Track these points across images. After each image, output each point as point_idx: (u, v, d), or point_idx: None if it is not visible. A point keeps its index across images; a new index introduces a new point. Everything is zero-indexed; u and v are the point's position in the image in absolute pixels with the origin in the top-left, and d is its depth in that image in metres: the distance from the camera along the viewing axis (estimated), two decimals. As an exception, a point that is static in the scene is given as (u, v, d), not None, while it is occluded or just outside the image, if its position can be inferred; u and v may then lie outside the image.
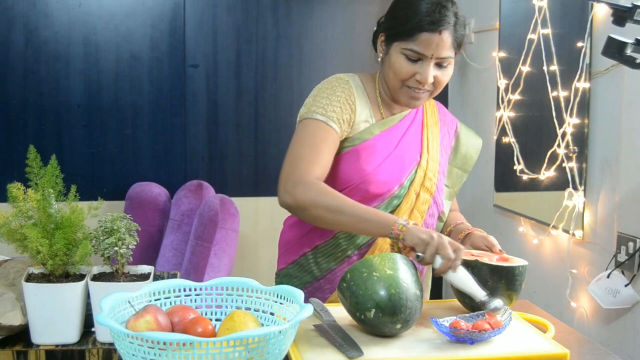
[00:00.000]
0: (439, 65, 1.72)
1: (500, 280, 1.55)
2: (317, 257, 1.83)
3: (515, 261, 1.61)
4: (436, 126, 1.89)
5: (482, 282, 1.54)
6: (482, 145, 2.00)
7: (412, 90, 1.74)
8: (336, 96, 1.76)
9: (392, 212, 1.80)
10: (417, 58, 1.70)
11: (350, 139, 1.78)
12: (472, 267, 1.56)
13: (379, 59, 1.81)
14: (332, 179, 1.78)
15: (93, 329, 1.52)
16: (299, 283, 1.85)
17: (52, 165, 1.54)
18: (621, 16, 1.36)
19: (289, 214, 1.86)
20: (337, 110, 1.75)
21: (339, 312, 1.53)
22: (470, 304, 1.56)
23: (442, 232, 1.92)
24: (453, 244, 1.53)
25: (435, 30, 1.67)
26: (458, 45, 1.73)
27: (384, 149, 1.79)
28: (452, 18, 1.69)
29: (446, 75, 1.75)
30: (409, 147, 1.83)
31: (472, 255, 1.62)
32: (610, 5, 1.38)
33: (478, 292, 1.52)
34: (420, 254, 1.53)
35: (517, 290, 1.59)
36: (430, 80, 1.72)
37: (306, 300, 1.50)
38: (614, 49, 1.37)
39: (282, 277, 1.90)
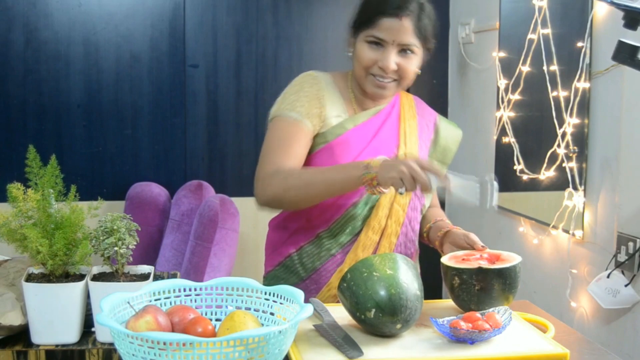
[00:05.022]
0: (403, 52, 1.74)
1: (505, 282, 1.54)
2: (302, 257, 1.83)
3: (505, 256, 1.60)
4: (414, 120, 1.90)
5: (486, 288, 1.53)
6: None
7: (376, 79, 1.76)
8: (304, 92, 1.79)
9: (372, 207, 1.80)
10: (379, 43, 1.73)
11: (323, 134, 1.79)
12: (475, 274, 1.54)
13: (349, 54, 1.84)
14: None
15: (93, 329, 1.52)
16: (285, 285, 1.85)
17: (51, 165, 1.54)
18: (634, 19, 1.29)
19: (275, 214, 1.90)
20: (305, 106, 1.77)
21: (339, 312, 1.53)
22: (468, 306, 1.56)
23: (421, 228, 1.92)
24: (422, 164, 1.54)
25: (396, 15, 1.71)
26: (423, 35, 1.75)
27: (358, 143, 1.80)
28: (415, 6, 1.73)
29: (411, 64, 1.76)
30: (385, 141, 1.84)
31: (463, 260, 1.60)
32: (623, 7, 1.30)
33: (472, 198, 1.57)
34: (401, 190, 1.55)
35: (516, 289, 1.58)
36: (393, 67, 1.73)
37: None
38: (626, 54, 1.31)
39: (269, 280, 1.90)
